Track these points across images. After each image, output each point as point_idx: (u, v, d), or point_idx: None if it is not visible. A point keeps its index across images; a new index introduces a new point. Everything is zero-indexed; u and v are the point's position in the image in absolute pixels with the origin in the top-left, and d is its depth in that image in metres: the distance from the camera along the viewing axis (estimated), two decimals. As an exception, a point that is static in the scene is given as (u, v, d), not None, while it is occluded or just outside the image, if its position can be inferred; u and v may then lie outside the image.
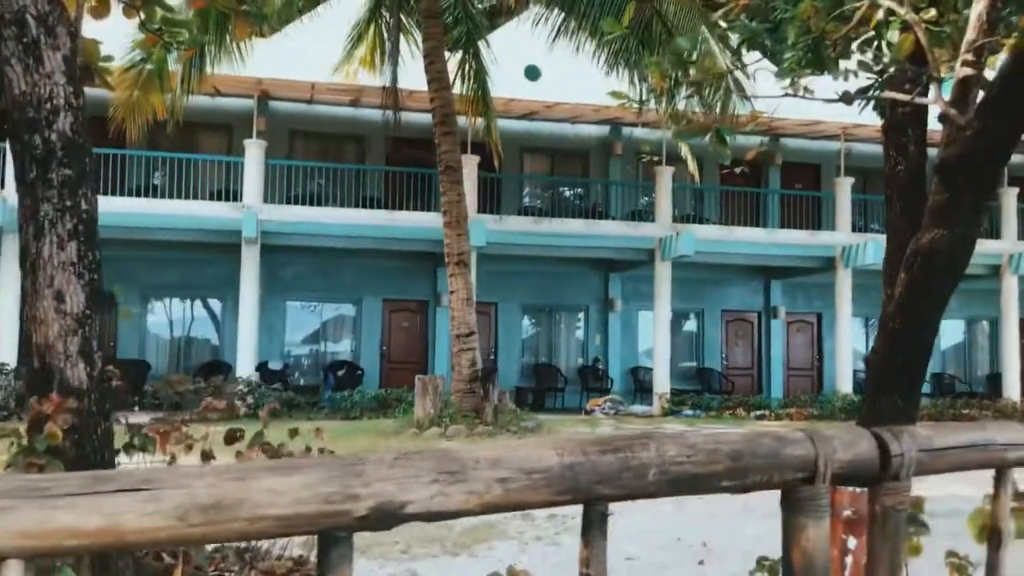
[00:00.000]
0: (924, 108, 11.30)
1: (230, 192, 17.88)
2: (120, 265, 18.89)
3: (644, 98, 11.21)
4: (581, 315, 21.58)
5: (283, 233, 17.85)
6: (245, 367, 16.77)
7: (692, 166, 15.92)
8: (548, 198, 21.78)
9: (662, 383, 18.69)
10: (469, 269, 12.69)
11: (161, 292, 19.62)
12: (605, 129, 21.00)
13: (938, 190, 6.63)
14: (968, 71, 7.47)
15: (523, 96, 18.22)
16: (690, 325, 22.21)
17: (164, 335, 19.82)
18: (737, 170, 11.76)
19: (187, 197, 17.86)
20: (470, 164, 17.79)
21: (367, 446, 10.87)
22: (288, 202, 18.55)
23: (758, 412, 17.73)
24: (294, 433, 5.15)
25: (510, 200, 20.59)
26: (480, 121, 16.49)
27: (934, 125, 7.96)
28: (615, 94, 7.21)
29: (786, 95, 7.77)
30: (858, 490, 2.06)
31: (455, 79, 15.54)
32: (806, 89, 8.12)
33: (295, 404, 16.18)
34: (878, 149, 16.62)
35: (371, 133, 19.85)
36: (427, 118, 19.28)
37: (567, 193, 22.17)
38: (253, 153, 17.25)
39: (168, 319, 19.96)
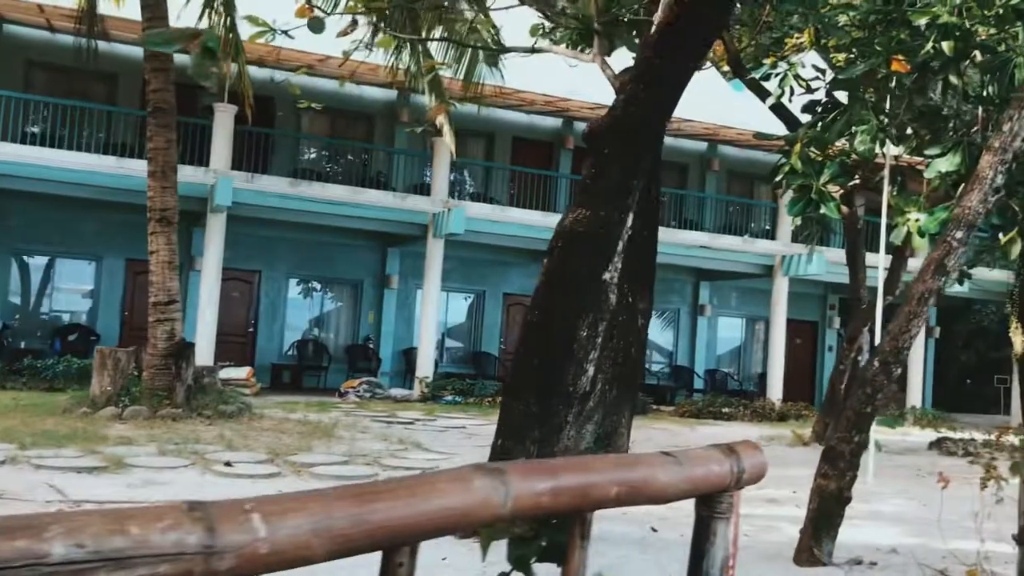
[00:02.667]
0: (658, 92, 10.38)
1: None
2: None
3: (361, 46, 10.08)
4: (355, 290, 20.27)
5: (3, 175, 15.67)
6: (-61, 325, 14.58)
7: (449, 138, 14.85)
8: (333, 163, 20.32)
9: (426, 366, 17.68)
10: (174, 228, 11.16)
11: None
12: (392, 94, 19.70)
13: (586, 164, 5.73)
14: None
15: (294, 47, 16.61)
16: (470, 307, 21.32)
17: None
18: (417, 130, 10.77)
19: None
20: (225, 114, 16.15)
21: (10, 427, 9.22)
22: (19, 141, 16.31)
23: (518, 402, 16.96)
24: None
25: (283, 160, 19.00)
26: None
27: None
28: (250, 19, 5.93)
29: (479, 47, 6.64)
30: None
31: (203, 14, 13.86)
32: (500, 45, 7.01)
33: (-9, 370, 14.18)
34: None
35: (124, 71, 17.80)
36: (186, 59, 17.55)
37: (359, 160, 20.77)
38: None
39: None
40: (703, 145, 22.39)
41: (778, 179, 10.34)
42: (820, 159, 10.40)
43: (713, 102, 19.98)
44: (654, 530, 6.32)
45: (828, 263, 19.06)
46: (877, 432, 13.92)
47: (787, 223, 19.87)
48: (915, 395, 20.74)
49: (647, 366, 22.40)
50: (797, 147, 10.17)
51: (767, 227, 22.77)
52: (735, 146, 21.88)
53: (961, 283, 14.82)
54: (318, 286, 20.27)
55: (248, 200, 15.97)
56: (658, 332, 22.95)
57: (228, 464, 7.76)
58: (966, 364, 24.76)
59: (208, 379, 11.45)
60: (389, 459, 8.81)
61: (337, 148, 20.26)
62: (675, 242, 19.29)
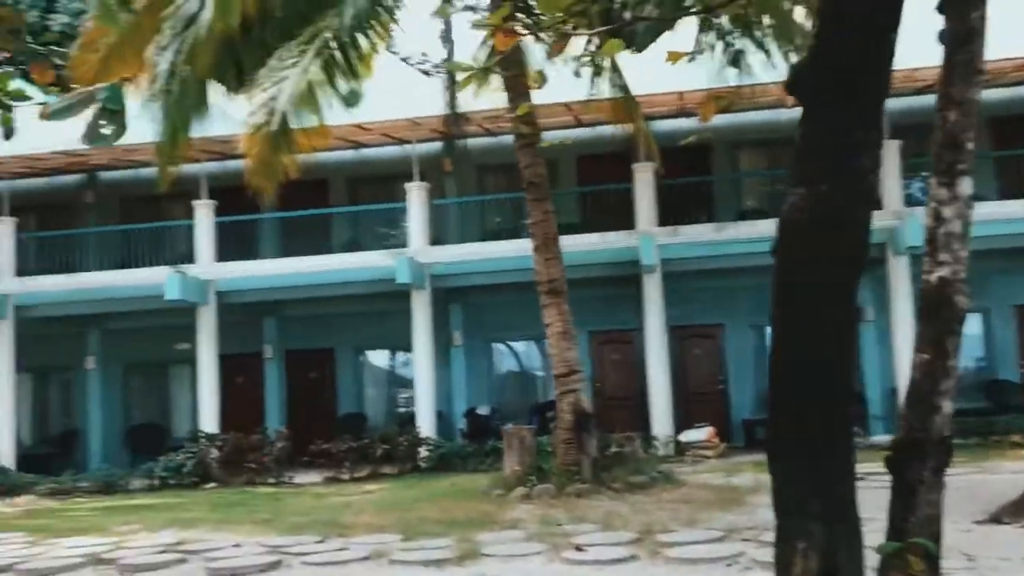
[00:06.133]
0: None
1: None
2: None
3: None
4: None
5: (454, 275, 17.11)
6: (426, 416, 16.18)
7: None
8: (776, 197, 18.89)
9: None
10: (564, 297, 10.87)
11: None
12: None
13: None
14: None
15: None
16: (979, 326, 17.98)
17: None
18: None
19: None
20: (645, 172, 15.82)
21: (423, 516, 9.50)
22: (473, 240, 17.79)
23: None
24: None
25: (727, 205, 18.06)
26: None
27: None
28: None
29: None
30: None
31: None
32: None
33: (466, 454, 15.18)
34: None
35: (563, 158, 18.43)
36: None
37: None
38: (416, 196, 16.71)
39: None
40: None
41: None
42: None
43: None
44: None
45: None
46: None
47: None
48: None
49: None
50: None
51: None
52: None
53: None
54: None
55: (676, 254, 15.36)
56: None
57: (579, 549, 7.03)
58: None
59: (628, 448, 10.88)
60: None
61: (781, 180, 18.79)
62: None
